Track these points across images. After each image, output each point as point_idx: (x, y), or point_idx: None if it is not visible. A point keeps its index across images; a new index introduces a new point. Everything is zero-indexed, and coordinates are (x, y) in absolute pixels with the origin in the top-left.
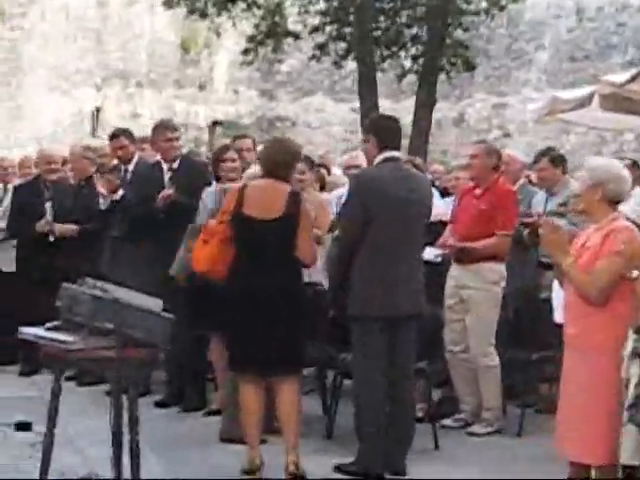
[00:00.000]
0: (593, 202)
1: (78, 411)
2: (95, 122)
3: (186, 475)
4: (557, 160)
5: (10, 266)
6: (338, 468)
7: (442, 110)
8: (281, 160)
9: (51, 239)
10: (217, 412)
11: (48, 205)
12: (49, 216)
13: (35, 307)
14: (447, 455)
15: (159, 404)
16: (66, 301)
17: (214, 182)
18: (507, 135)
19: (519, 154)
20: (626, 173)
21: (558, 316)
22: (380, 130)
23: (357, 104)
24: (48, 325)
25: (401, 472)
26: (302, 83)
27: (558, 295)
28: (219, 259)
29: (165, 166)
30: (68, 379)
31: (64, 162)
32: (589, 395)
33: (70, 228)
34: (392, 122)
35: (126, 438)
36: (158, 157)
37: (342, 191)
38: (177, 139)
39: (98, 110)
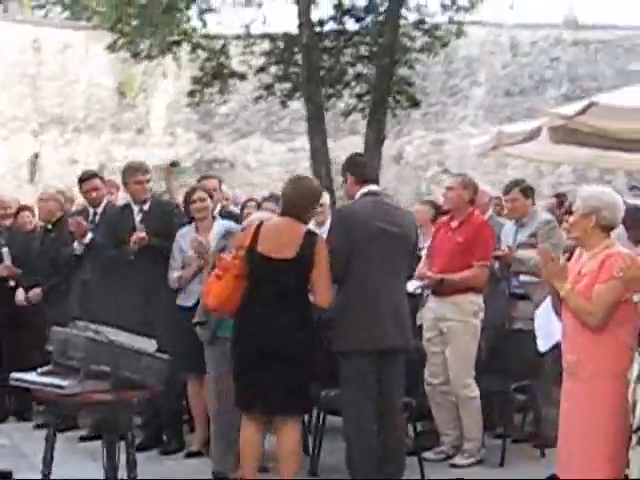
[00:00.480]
0: (587, 229)
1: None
2: (33, 168)
3: None
4: (527, 191)
5: None
6: None
7: None
8: (301, 200)
9: (12, 284)
10: (198, 453)
11: (4, 250)
12: (7, 261)
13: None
14: None
15: (137, 448)
16: (59, 344)
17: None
18: (446, 171)
19: (486, 187)
20: (619, 200)
21: (541, 345)
22: (357, 167)
23: (295, 144)
24: (40, 370)
25: None
26: (240, 124)
27: (541, 325)
28: (232, 296)
29: (136, 208)
30: (38, 427)
31: (22, 208)
32: (592, 420)
33: (36, 293)
34: (365, 158)
35: None
36: (127, 199)
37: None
38: (147, 181)
39: (36, 156)
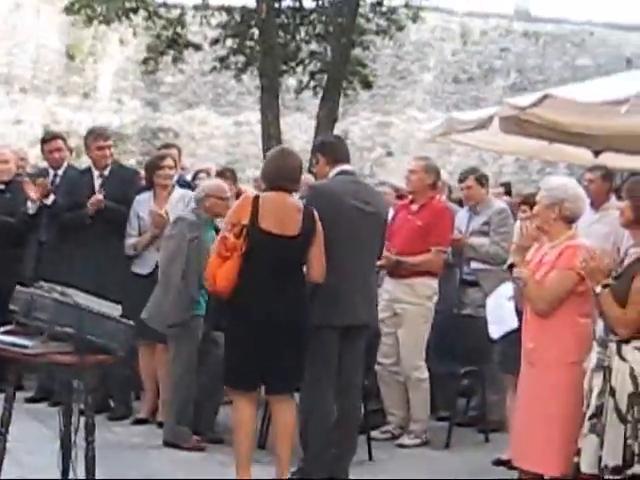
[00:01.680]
0: (550, 220)
1: None
2: None
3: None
4: (482, 179)
5: None
6: None
7: None
8: (292, 172)
9: None
10: (145, 420)
11: None
12: None
13: None
14: (381, 466)
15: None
16: (23, 304)
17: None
18: (390, 154)
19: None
20: (582, 193)
21: (493, 331)
22: (328, 147)
23: (240, 118)
24: (2, 329)
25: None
26: (186, 95)
27: (493, 312)
28: (237, 275)
29: (96, 173)
30: None
31: None
32: (546, 407)
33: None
34: (338, 139)
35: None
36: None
37: None
38: (109, 147)
39: None
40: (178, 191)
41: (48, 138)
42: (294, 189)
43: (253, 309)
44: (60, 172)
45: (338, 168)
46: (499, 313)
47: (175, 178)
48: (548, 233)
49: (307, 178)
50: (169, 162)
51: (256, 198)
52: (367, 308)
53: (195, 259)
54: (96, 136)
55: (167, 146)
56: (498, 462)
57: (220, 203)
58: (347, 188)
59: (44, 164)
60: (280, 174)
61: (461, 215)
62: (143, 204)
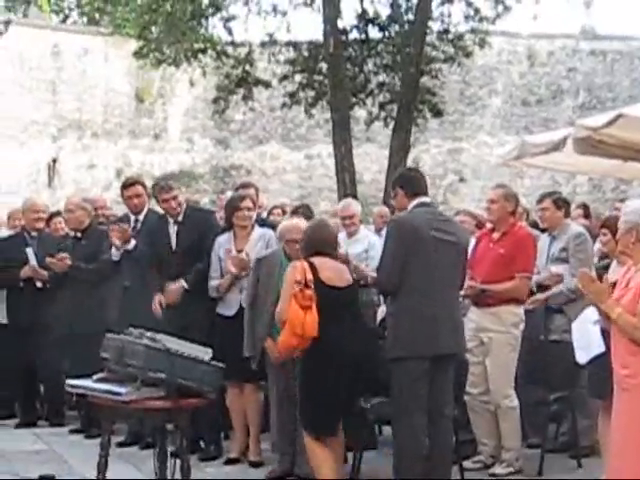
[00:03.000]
0: (629, 244)
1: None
2: (52, 173)
3: None
4: (559, 202)
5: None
6: None
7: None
8: (329, 241)
9: (38, 285)
10: (236, 460)
11: (29, 250)
12: (33, 262)
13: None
14: None
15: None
16: (114, 351)
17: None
18: (462, 180)
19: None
20: None
21: (580, 356)
22: (407, 180)
23: (311, 151)
24: (95, 377)
25: None
26: (256, 131)
27: (579, 337)
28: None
29: (171, 220)
30: (72, 432)
31: (55, 214)
32: None
33: (64, 263)
34: (416, 172)
35: None
36: None
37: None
38: (174, 198)
39: (54, 161)
40: (257, 231)
41: (127, 184)
42: (334, 256)
43: (327, 354)
44: (141, 217)
45: (417, 200)
46: (585, 338)
47: (254, 218)
48: (631, 257)
49: (382, 210)
50: (248, 203)
51: (309, 261)
52: (454, 337)
53: (262, 296)
54: (159, 190)
55: (245, 186)
56: None
57: (295, 246)
58: (426, 219)
59: (121, 208)
60: (320, 244)
61: (542, 240)
62: (224, 245)
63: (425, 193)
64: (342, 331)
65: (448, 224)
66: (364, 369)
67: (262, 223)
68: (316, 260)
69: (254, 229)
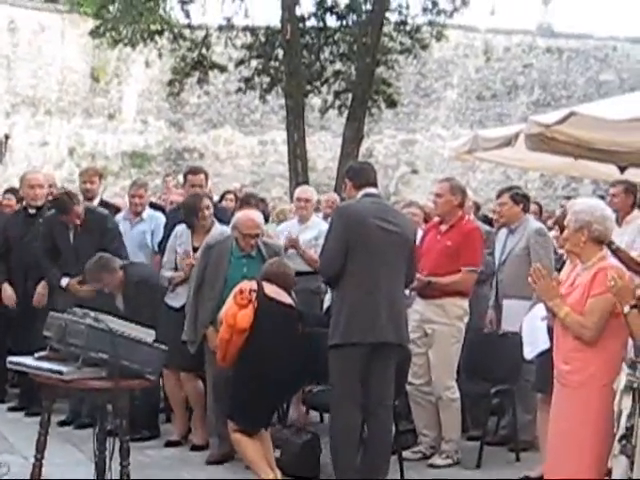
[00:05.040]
0: (580, 243)
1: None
2: (3, 149)
3: None
4: (518, 197)
5: None
6: None
7: None
8: (283, 274)
9: None
10: (177, 443)
11: None
12: None
13: None
14: None
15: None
16: (57, 331)
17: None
18: (415, 171)
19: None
20: (609, 213)
21: (527, 352)
22: (356, 172)
23: (265, 137)
24: (37, 355)
25: None
26: (211, 115)
27: (527, 332)
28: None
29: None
30: (11, 410)
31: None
32: (578, 428)
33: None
34: (366, 165)
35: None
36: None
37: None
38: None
39: (7, 137)
40: (217, 228)
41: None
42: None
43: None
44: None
45: (364, 191)
46: (534, 333)
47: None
48: (580, 256)
49: (331, 196)
50: (206, 202)
51: (258, 281)
52: (393, 327)
53: (210, 282)
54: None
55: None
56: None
57: (242, 239)
58: (371, 208)
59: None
60: (274, 276)
61: (501, 233)
62: (182, 238)
63: (373, 185)
64: (278, 338)
65: (394, 215)
66: (298, 371)
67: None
68: (265, 282)
69: (214, 225)
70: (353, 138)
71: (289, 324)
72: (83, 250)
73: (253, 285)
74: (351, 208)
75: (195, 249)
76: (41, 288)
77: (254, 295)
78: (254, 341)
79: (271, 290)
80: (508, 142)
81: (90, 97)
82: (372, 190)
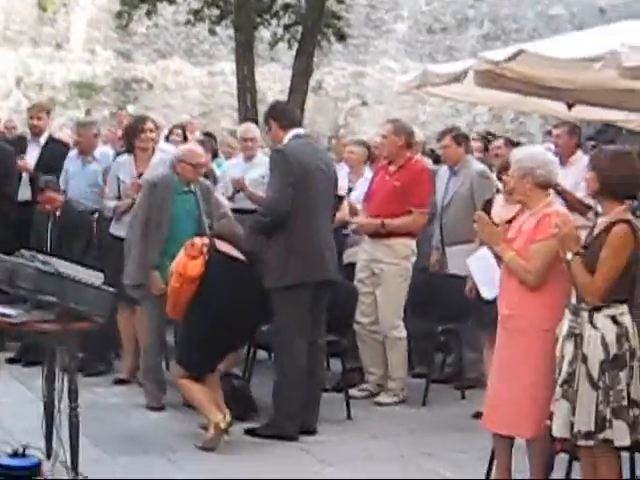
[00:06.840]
0: (525, 191)
1: None
2: None
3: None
4: (460, 138)
5: None
6: (251, 431)
7: None
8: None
9: None
10: (126, 381)
11: None
12: None
13: None
14: (359, 424)
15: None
16: (5, 273)
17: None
18: (364, 104)
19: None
20: (552, 157)
21: (485, 292)
22: (281, 113)
23: (215, 68)
24: None
25: (313, 431)
26: (160, 45)
27: (480, 272)
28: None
29: None
30: None
31: None
32: (519, 373)
33: None
34: (288, 105)
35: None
36: None
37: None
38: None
39: None
40: (158, 155)
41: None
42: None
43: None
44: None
45: (293, 132)
46: (489, 274)
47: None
48: (527, 204)
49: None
50: (150, 125)
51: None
52: (333, 264)
53: (155, 221)
54: None
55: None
56: (478, 415)
57: (191, 169)
58: (307, 150)
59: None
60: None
61: (442, 172)
62: (124, 166)
63: (299, 125)
64: (228, 288)
65: (323, 155)
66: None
67: None
68: (216, 239)
69: (155, 153)
70: (303, 71)
71: (239, 275)
72: None
73: (205, 240)
74: (292, 151)
75: (140, 175)
76: None
77: (205, 249)
78: (203, 290)
79: (222, 246)
80: (457, 78)
81: (37, 26)
82: (300, 131)
